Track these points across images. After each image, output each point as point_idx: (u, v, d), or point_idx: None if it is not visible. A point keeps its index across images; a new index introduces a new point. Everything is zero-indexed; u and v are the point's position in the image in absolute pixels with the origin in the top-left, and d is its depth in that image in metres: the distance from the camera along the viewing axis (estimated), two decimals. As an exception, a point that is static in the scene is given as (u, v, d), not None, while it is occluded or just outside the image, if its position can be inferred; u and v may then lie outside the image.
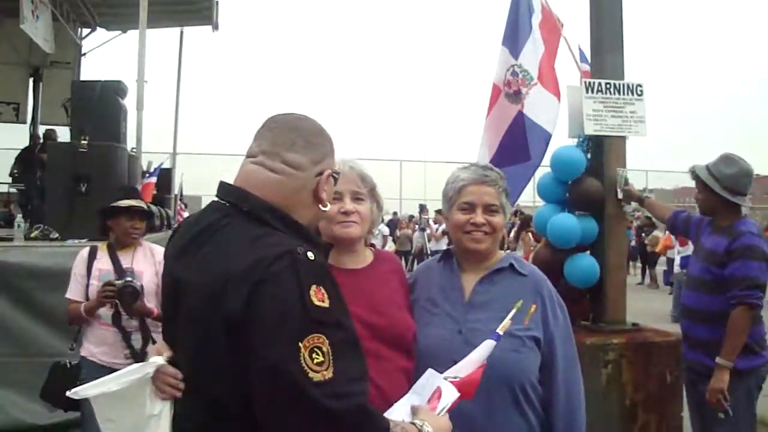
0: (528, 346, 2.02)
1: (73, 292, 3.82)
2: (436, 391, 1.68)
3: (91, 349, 3.81)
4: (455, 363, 1.88)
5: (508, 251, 2.48)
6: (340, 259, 2.03)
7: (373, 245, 2.25)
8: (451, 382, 1.70)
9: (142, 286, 3.70)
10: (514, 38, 4.54)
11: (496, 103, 4.56)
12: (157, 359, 1.61)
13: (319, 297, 1.34)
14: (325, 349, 1.31)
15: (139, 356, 3.62)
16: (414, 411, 1.62)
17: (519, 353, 1.99)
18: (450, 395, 1.66)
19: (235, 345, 1.33)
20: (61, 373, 3.91)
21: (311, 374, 1.28)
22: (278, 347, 1.29)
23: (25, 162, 10.52)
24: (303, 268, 1.35)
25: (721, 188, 3.42)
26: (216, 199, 1.57)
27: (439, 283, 2.20)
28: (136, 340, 3.79)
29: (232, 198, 1.52)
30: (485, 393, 1.88)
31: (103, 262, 3.84)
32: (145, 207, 3.96)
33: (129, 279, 3.66)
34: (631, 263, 18.75)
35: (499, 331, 1.80)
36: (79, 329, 3.96)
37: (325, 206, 1.58)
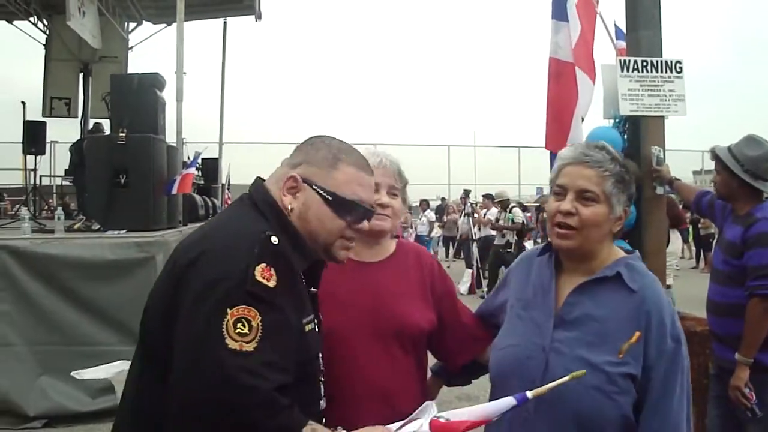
0: (619, 385, 1.62)
1: None
2: (409, 420, 1.48)
3: None
4: (534, 385, 1.54)
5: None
6: (359, 251, 1.99)
7: (397, 236, 2.25)
8: (433, 420, 1.45)
9: None
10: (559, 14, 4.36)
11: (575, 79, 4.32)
12: None
13: (265, 275, 1.36)
14: (254, 323, 1.32)
15: None
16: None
17: (603, 393, 1.60)
18: (414, 428, 1.45)
19: (175, 299, 1.39)
20: None
21: (227, 339, 1.30)
22: (204, 304, 1.33)
23: (75, 155, 10.82)
24: (260, 246, 1.39)
25: (742, 171, 3.22)
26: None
27: (536, 281, 1.86)
28: None
29: (250, 188, 1.63)
30: None
31: None
32: None
33: None
34: (685, 246, 18.23)
35: (529, 394, 1.49)
36: None
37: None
